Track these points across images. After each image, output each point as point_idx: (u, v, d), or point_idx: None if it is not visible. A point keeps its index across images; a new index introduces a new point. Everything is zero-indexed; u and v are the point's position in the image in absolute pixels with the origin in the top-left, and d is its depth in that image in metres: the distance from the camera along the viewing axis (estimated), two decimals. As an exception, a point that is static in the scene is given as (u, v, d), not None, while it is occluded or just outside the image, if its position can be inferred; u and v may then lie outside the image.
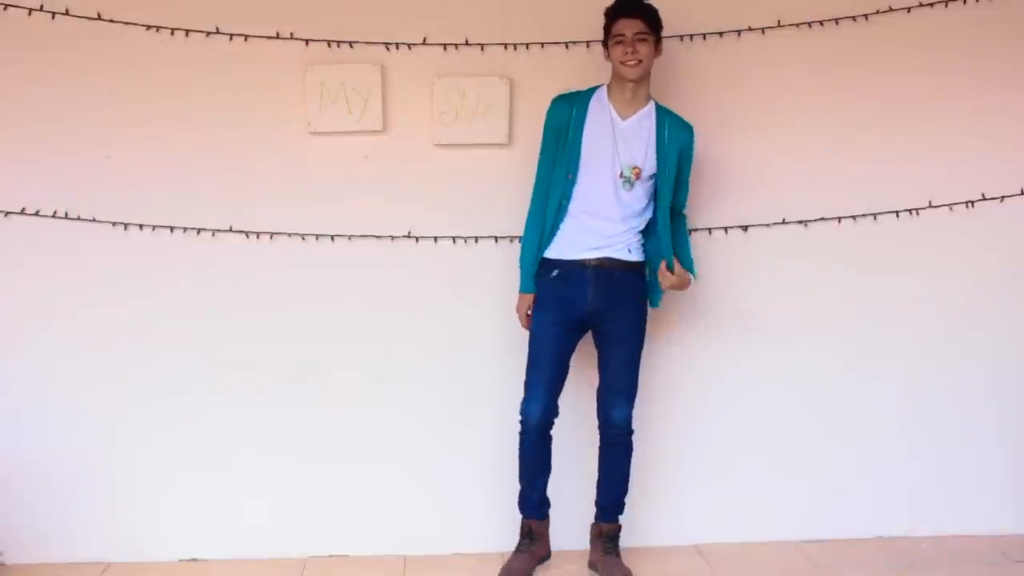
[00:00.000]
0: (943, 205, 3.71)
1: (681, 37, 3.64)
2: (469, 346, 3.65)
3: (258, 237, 3.59)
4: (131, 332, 3.60)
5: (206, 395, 3.62)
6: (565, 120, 3.33)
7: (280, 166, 3.59)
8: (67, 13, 3.51)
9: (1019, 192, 3.72)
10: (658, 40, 3.32)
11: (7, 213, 3.55)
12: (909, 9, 3.66)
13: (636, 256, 3.37)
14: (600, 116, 3.33)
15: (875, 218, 3.70)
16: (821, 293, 3.72)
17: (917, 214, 3.70)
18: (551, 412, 3.37)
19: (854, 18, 3.66)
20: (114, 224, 3.56)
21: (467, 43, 3.59)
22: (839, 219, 3.70)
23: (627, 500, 3.60)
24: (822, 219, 3.70)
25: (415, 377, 3.63)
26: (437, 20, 3.58)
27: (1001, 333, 3.75)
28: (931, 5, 3.66)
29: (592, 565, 3.52)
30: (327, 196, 3.60)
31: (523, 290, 3.41)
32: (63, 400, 3.60)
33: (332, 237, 3.59)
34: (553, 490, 3.51)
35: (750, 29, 3.64)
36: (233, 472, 3.65)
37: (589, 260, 3.31)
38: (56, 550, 3.59)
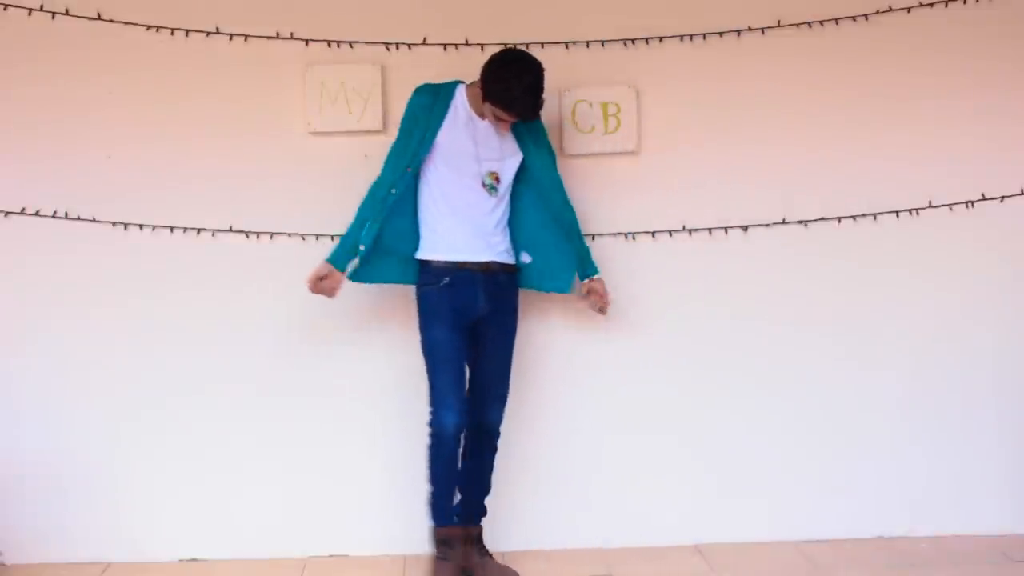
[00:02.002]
0: (943, 205, 3.71)
1: (681, 37, 3.64)
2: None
3: (258, 237, 3.60)
4: (131, 332, 3.60)
5: (206, 395, 3.62)
6: (427, 110, 3.30)
7: (280, 166, 3.60)
8: (67, 13, 3.51)
9: (1019, 192, 3.72)
10: None
11: (7, 213, 3.55)
12: (909, 9, 3.66)
13: (512, 259, 3.39)
14: (460, 117, 3.31)
15: (875, 218, 3.70)
16: (821, 293, 3.72)
17: (917, 214, 3.70)
18: (465, 417, 3.32)
19: (854, 18, 3.66)
20: (114, 224, 3.57)
21: (467, 43, 3.59)
22: (839, 219, 3.70)
23: (627, 500, 3.61)
24: (822, 219, 3.70)
25: (416, 377, 3.62)
26: (437, 20, 3.58)
27: (1001, 333, 3.75)
28: (931, 5, 3.66)
29: (465, 571, 3.40)
30: (327, 196, 3.59)
31: (330, 260, 3.29)
32: (63, 400, 3.60)
33: (332, 237, 3.59)
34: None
35: (750, 29, 3.65)
36: (233, 472, 3.64)
37: (476, 264, 3.30)
38: (56, 550, 3.59)
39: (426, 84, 3.36)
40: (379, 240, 3.29)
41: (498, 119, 3.26)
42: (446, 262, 3.30)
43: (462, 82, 3.37)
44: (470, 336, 3.35)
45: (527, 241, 3.42)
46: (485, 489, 3.47)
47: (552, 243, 3.41)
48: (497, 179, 3.32)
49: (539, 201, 3.40)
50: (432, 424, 3.32)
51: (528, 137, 3.38)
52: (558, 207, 3.42)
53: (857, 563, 3.52)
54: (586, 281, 3.47)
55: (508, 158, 3.35)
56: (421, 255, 3.34)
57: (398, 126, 3.41)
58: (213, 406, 3.62)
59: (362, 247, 3.29)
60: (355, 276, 3.34)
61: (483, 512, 3.47)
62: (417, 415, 3.52)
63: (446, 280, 3.30)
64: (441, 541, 3.37)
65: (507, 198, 3.37)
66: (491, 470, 3.46)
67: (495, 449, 3.45)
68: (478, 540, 3.45)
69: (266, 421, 3.64)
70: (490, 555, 3.44)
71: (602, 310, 3.49)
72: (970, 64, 3.69)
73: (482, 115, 3.30)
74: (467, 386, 3.37)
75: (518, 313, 3.44)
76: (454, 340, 3.31)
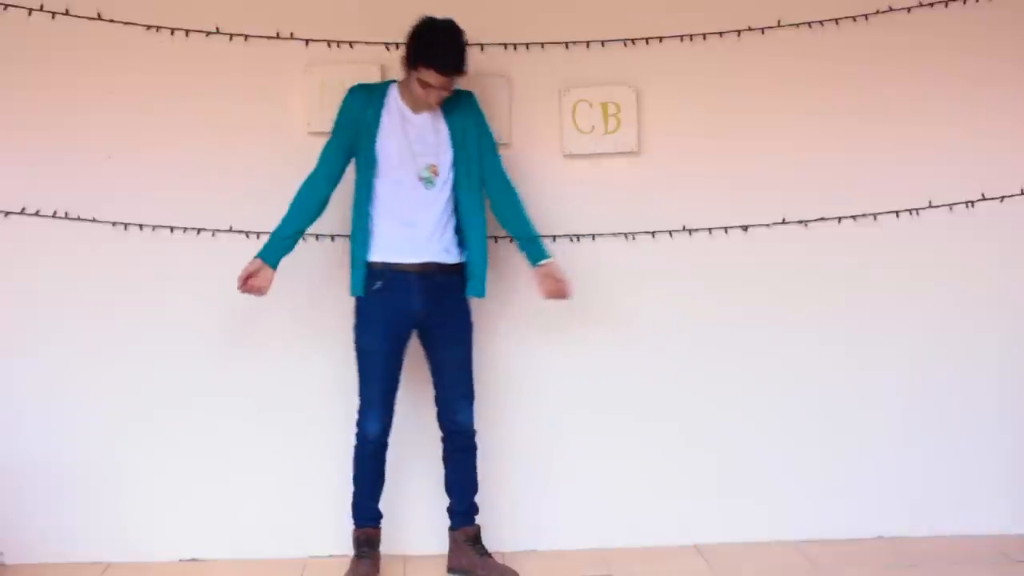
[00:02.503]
0: (943, 205, 3.71)
1: (681, 37, 3.64)
2: (482, 342, 3.64)
3: (258, 237, 3.59)
4: (131, 332, 3.60)
5: (206, 394, 3.62)
6: (362, 109, 3.29)
7: (280, 166, 3.59)
8: (67, 13, 3.51)
9: (1019, 192, 3.72)
10: None
11: (7, 213, 3.55)
12: (909, 9, 3.67)
13: (456, 258, 3.35)
14: (394, 115, 3.31)
15: (875, 218, 3.70)
16: (821, 293, 3.72)
17: (917, 214, 3.71)
18: (389, 425, 3.36)
19: (854, 18, 3.66)
20: (114, 224, 3.57)
21: (467, 43, 3.58)
22: (839, 219, 3.70)
23: (627, 500, 3.62)
24: (822, 219, 3.70)
25: (415, 377, 3.63)
26: (437, 20, 3.58)
27: (1001, 333, 3.75)
28: (931, 5, 3.66)
29: (461, 569, 3.44)
30: (327, 196, 3.60)
31: (260, 256, 3.28)
32: (63, 400, 3.60)
33: (332, 237, 3.59)
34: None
35: (750, 29, 3.65)
36: (233, 472, 3.65)
37: (412, 266, 3.28)
38: (56, 550, 3.59)
39: (359, 84, 3.35)
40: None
41: (428, 86, 3.20)
42: (380, 263, 3.29)
43: (395, 81, 3.36)
44: (412, 340, 3.36)
45: (463, 240, 3.39)
46: (472, 488, 3.46)
47: (475, 244, 3.36)
48: (435, 171, 3.29)
49: (477, 196, 3.36)
50: (357, 431, 3.37)
51: (467, 127, 3.34)
52: (499, 196, 3.38)
53: (857, 563, 3.52)
54: (537, 268, 3.37)
55: (446, 151, 3.32)
56: (365, 257, 3.32)
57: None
58: (213, 406, 3.62)
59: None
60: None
61: (475, 511, 3.48)
62: (416, 416, 3.53)
63: (378, 284, 3.29)
64: (362, 541, 3.42)
65: (448, 193, 3.33)
66: (474, 469, 3.45)
67: (474, 448, 3.44)
68: (475, 540, 3.45)
69: (265, 421, 3.64)
70: (489, 555, 3.44)
71: (561, 294, 3.36)
72: (970, 64, 3.69)
73: (416, 109, 3.29)
74: (396, 390, 3.38)
75: (468, 312, 3.39)
76: (384, 350, 3.32)
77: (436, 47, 3.18)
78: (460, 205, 3.34)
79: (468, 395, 3.40)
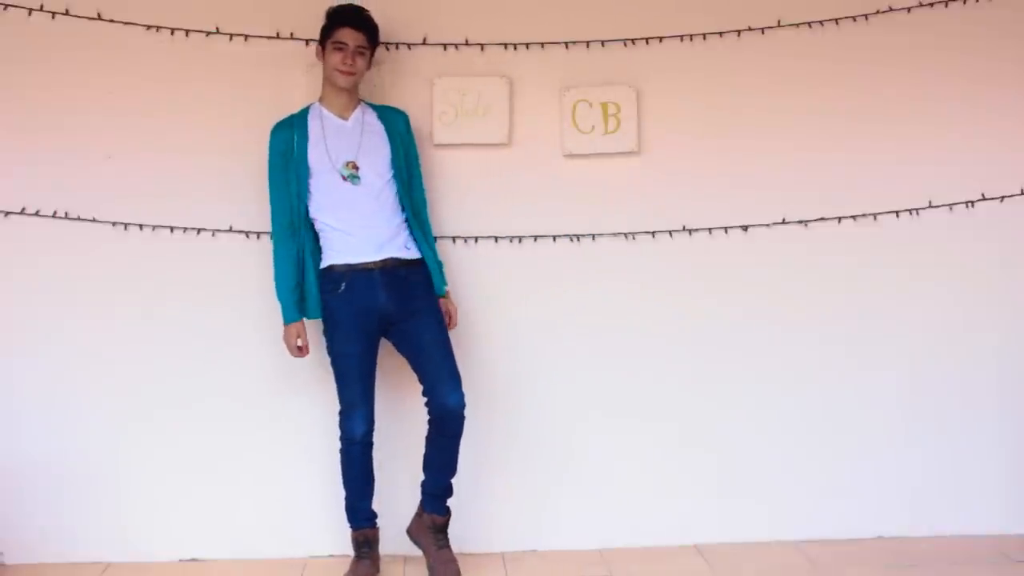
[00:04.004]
0: (943, 205, 3.71)
1: (681, 37, 3.64)
2: (479, 343, 3.65)
3: (258, 237, 3.60)
4: (131, 332, 3.60)
5: (207, 394, 3.62)
6: (289, 143, 3.35)
7: (280, 166, 3.59)
8: (67, 13, 3.52)
9: (1019, 192, 3.72)
10: (373, 54, 3.39)
11: (7, 213, 3.55)
12: (909, 9, 3.67)
13: (415, 254, 3.38)
14: (316, 126, 3.36)
15: (875, 218, 3.70)
16: (821, 293, 3.72)
17: (917, 214, 3.71)
18: (372, 424, 3.39)
19: (854, 18, 3.66)
20: (114, 224, 3.57)
21: (467, 43, 3.59)
22: (839, 219, 3.70)
23: (627, 500, 3.61)
24: (822, 219, 3.70)
25: (399, 374, 3.62)
26: (437, 20, 3.58)
27: (1001, 333, 3.75)
28: (931, 5, 3.66)
29: (415, 542, 3.48)
30: (327, 196, 3.60)
31: (288, 320, 3.37)
32: (63, 400, 3.60)
33: (332, 237, 3.59)
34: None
35: (750, 29, 3.65)
36: (233, 472, 3.65)
37: (373, 263, 3.30)
38: (56, 550, 3.59)
39: (278, 122, 3.39)
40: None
41: (344, 47, 3.28)
42: (341, 265, 3.32)
43: (314, 103, 3.42)
44: (383, 336, 3.39)
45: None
46: (450, 470, 3.42)
47: (421, 242, 3.40)
48: (355, 167, 3.32)
49: (418, 195, 3.44)
50: (341, 434, 3.39)
51: (401, 133, 3.41)
52: (416, 207, 3.43)
53: (857, 563, 3.52)
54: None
55: (370, 149, 3.34)
56: (321, 265, 3.36)
57: None
58: (214, 406, 3.62)
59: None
60: (312, 314, 3.39)
61: (448, 493, 3.44)
62: (415, 416, 3.53)
63: (343, 286, 3.31)
64: (360, 542, 3.45)
65: (388, 190, 3.35)
66: (456, 450, 3.41)
67: (460, 433, 3.38)
68: (439, 529, 3.43)
69: (266, 421, 3.64)
70: (447, 547, 3.43)
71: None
72: (970, 64, 3.69)
73: (342, 109, 3.36)
74: (374, 388, 3.40)
75: (436, 303, 3.40)
76: (357, 351, 3.34)
77: (336, 9, 3.34)
78: (405, 203, 3.39)
79: (455, 376, 3.36)
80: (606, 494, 3.70)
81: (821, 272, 3.71)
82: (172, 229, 3.58)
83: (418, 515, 3.49)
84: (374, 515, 3.48)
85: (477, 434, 3.63)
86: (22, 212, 3.56)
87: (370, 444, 3.40)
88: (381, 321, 3.35)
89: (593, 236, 3.66)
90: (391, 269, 3.32)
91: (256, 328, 3.61)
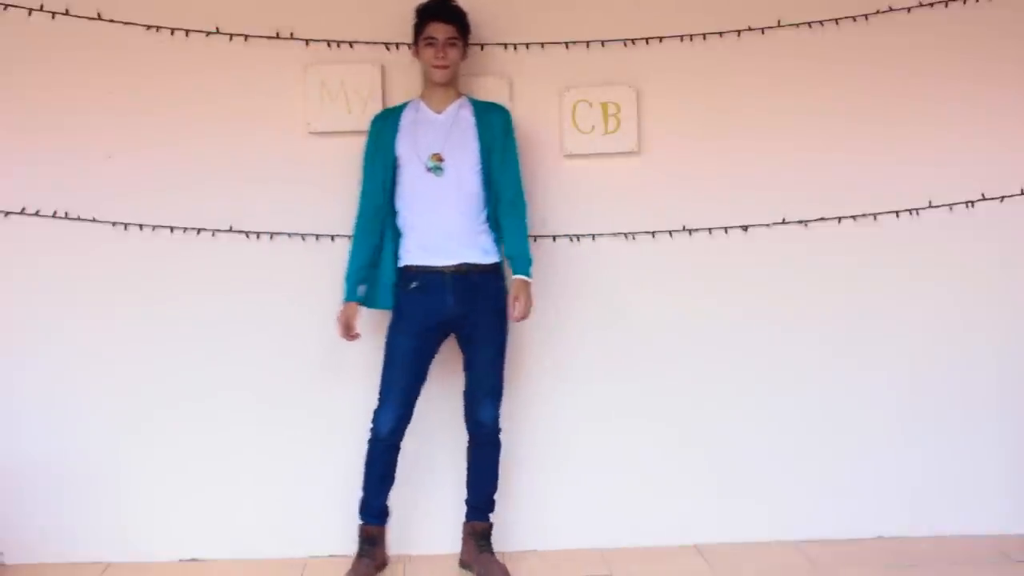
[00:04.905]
0: (943, 205, 3.71)
1: (681, 37, 3.64)
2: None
3: (258, 237, 3.60)
4: (131, 332, 3.60)
5: (207, 395, 3.62)
6: (381, 132, 3.38)
7: (280, 166, 3.60)
8: (67, 13, 3.52)
9: (1019, 192, 3.72)
10: (466, 44, 3.40)
11: (7, 213, 3.55)
12: (909, 9, 3.67)
13: (492, 257, 3.38)
14: (409, 118, 3.38)
15: (875, 218, 3.70)
16: (821, 293, 3.72)
17: (917, 214, 3.70)
18: (405, 421, 3.37)
19: (854, 18, 3.66)
20: (114, 224, 3.57)
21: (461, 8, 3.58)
22: (839, 219, 3.70)
23: (627, 500, 3.61)
24: (822, 219, 3.70)
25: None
26: (437, 20, 3.58)
27: (1001, 333, 3.75)
28: (931, 5, 3.66)
29: (465, 564, 3.48)
30: (327, 196, 3.60)
31: (347, 299, 3.40)
32: (63, 400, 3.60)
33: (332, 237, 3.60)
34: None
35: (750, 29, 3.65)
36: (233, 472, 3.64)
37: (447, 267, 3.32)
38: (56, 550, 3.59)
39: (378, 113, 3.45)
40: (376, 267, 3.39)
41: (434, 42, 3.31)
42: (417, 266, 3.34)
43: (412, 100, 3.44)
44: (442, 337, 3.40)
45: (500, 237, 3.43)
46: (489, 484, 3.48)
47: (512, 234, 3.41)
48: (440, 159, 3.33)
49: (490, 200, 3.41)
50: (371, 427, 3.39)
51: (495, 134, 3.39)
52: (504, 205, 3.40)
53: (857, 563, 3.52)
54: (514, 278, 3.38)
55: (457, 143, 3.35)
56: (399, 263, 3.38)
57: None
58: (213, 406, 3.62)
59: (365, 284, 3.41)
60: (372, 303, 3.43)
61: (490, 507, 3.49)
62: (416, 417, 3.53)
63: (415, 284, 3.34)
64: (366, 539, 3.44)
65: (471, 187, 3.35)
66: (495, 465, 3.47)
67: (497, 445, 3.45)
68: (481, 536, 3.46)
69: (266, 421, 3.64)
70: (490, 552, 3.44)
71: (519, 314, 3.38)
72: (970, 64, 3.69)
73: (438, 103, 3.37)
74: (418, 391, 3.40)
75: (503, 312, 3.39)
76: (412, 346, 3.35)
77: (423, 5, 3.37)
78: (489, 201, 3.38)
79: (493, 394, 3.42)
80: (606, 494, 3.70)
81: (821, 272, 3.71)
82: (172, 229, 3.58)
83: (463, 533, 3.50)
84: (383, 514, 3.47)
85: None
86: (22, 212, 3.56)
87: (395, 445, 3.39)
88: (445, 323, 3.36)
89: (593, 236, 3.66)
90: (464, 275, 3.33)
91: (256, 328, 3.61)
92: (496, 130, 3.40)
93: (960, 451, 3.75)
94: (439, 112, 3.39)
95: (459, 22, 3.37)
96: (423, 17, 3.35)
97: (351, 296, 3.40)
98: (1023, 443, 3.76)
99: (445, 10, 3.35)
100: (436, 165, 3.32)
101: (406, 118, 3.39)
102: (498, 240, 3.40)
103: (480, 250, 3.36)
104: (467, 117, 3.39)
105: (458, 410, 3.49)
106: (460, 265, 3.33)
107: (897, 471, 3.75)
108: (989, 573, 3.44)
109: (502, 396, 3.44)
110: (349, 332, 3.40)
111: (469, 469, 3.49)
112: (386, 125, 3.40)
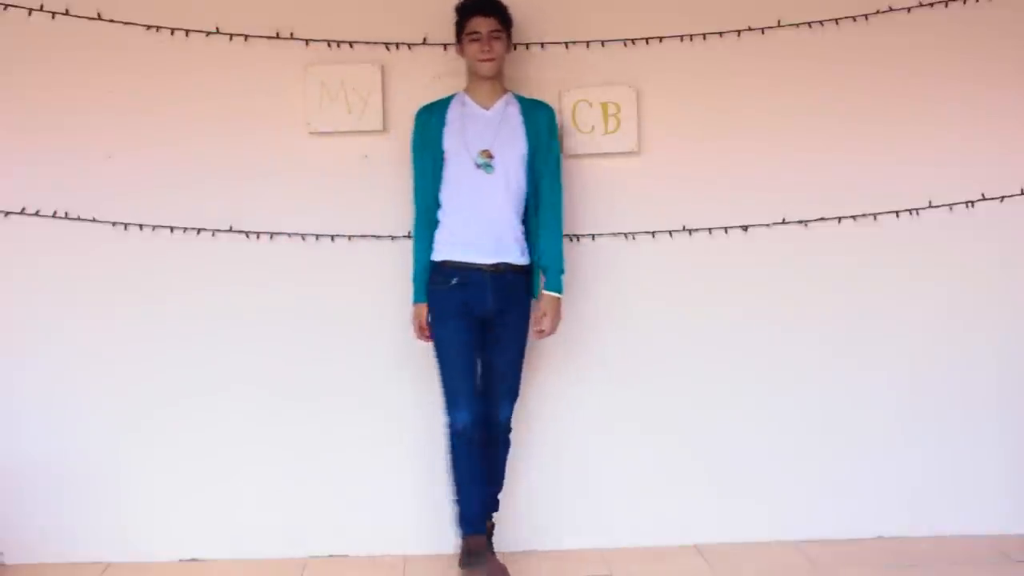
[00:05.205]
0: (943, 205, 3.71)
1: (681, 37, 3.64)
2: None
3: (258, 237, 3.60)
4: (131, 332, 3.60)
5: (206, 395, 3.62)
6: (427, 127, 3.37)
7: (280, 166, 3.60)
8: (67, 13, 3.52)
9: (1019, 192, 3.71)
10: (510, 37, 3.41)
11: (7, 213, 3.55)
12: (909, 9, 3.66)
13: (526, 259, 3.38)
14: (455, 113, 3.37)
15: (875, 218, 3.70)
16: (821, 293, 3.72)
17: (917, 214, 3.70)
18: (480, 416, 3.32)
19: (854, 18, 3.66)
20: (114, 224, 3.57)
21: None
22: (839, 219, 3.70)
23: (627, 500, 3.61)
24: (822, 219, 3.70)
25: (415, 376, 3.63)
26: (437, 20, 3.58)
27: (1001, 333, 3.75)
28: (931, 5, 3.66)
29: (461, 563, 3.40)
30: (327, 196, 3.60)
31: (417, 300, 3.39)
32: (63, 400, 3.60)
33: (332, 237, 3.60)
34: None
35: (750, 29, 3.65)
36: (233, 472, 3.64)
37: (487, 266, 3.31)
38: (56, 550, 3.59)
39: (423, 106, 3.42)
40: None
41: (478, 37, 3.31)
42: (456, 262, 3.32)
43: (458, 92, 3.43)
44: (480, 331, 3.36)
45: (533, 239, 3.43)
46: (497, 485, 3.47)
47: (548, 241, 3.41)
48: (490, 156, 3.32)
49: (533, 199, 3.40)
50: (448, 429, 3.35)
51: (539, 132, 3.39)
52: (545, 208, 3.39)
53: (857, 563, 3.52)
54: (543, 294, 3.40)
55: (506, 141, 3.35)
56: (434, 256, 3.35)
57: (398, 126, 3.50)
58: (213, 406, 3.62)
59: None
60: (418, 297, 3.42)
61: (495, 507, 3.49)
62: (415, 415, 3.54)
63: (455, 280, 3.32)
64: (470, 552, 3.32)
65: (516, 186, 3.35)
66: (503, 464, 3.47)
67: (507, 444, 3.46)
68: (487, 535, 3.44)
69: (265, 421, 3.64)
70: (491, 552, 3.43)
71: (544, 331, 3.41)
72: (970, 64, 3.69)
73: (485, 98, 3.37)
74: (478, 381, 3.38)
75: (528, 314, 3.41)
76: (464, 339, 3.33)
77: (463, 2, 3.37)
78: (531, 201, 3.38)
79: (511, 395, 3.42)
80: (606, 494, 3.70)
81: (821, 272, 3.71)
82: (172, 229, 3.58)
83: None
84: (482, 520, 3.37)
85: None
86: (22, 212, 3.56)
87: (474, 440, 3.30)
88: (484, 316, 3.35)
89: (593, 236, 3.65)
90: (501, 274, 3.33)
91: (256, 328, 3.61)
92: (542, 128, 3.39)
93: (960, 451, 3.75)
94: (487, 108, 3.38)
95: (501, 15, 3.36)
96: (464, 13, 3.34)
97: (421, 297, 3.38)
98: (1023, 443, 3.76)
99: (486, 4, 3.34)
100: (486, 162, 3.31)
101: (452, 112, 3.37)
102: (542, 238, 3.39)
103: (519, 251, 3.36)
104: (515, 114, 3.39)
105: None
106: (499, 264, 3.33)
107: (897, 471, 3.75)
108: (989, 573, 3.44)
109: (518, 397, 3.44)
110: (424, 332, 3.38)
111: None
112: (432, 118, 3.37)
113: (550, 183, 3.40)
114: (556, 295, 3.38)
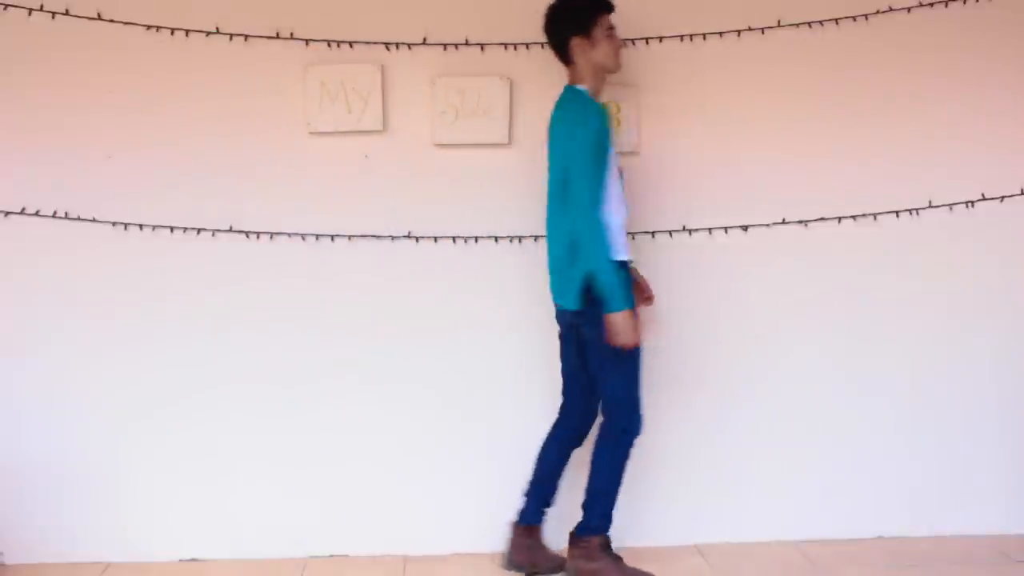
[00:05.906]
0: (943, 205, 3.71)
1: (681, 37, 3.64)
2: (469, 346, 3.65)
3: (258, 237, 3.60)
4: (130, 332, 3.60)
5: (206, 395, 3.62)
6: (609, 128, 3.31)
7: (280, 166, 3.60)
8: (67, 13, 3.52)
9: (1019, 192, 3.72)
10: None
11: (7, 213, 3.55)
12: (909, 9, 3.67)
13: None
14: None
15: (875, 218, 3.70)
16: (821, 293, 3.72)
17: (917, 214, 3.71)
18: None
19: (854, 18, 3.66)
20: (114, 224, 3.57)
21: (467, 43, 3.59)
22: (839, 219, 3.70)
23: (628, 500, 3.60)
24: (822, 219, 3.70)
25: (414, 377, 3.64)
26: (437, 20, 3.58)
27: (1001, 333, 3.75)
28: (931, 5, 3.66)
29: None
30: (327, 196, 3.60)
31: (630, 306, 3.23)
32: (63, 400, 3.60)
33: (332, 237, 3.60)
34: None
35: (750, 29, 3.65)
36: (233, 472, 3.65)
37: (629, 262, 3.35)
38: (56, 550, 3.59)
39: (598, 106, 3.30)
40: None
41: (612, 37, 3.30)
42: (627, 261, 3.33)
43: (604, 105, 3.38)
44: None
45: None
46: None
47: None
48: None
49: None
50: (627, 430, 3.35)
51: None
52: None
53: (857, 563, 3.52)
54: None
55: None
56: (618, 256, 3.27)
57: (398, 126, 3.52)
58: (213, 406, 3.62)
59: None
60: (568, 302, 3.32)
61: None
62: (415, 414, 3.53)
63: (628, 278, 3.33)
64: (607, 546, 3.38)
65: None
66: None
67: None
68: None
69: (265, 421, 3.64)
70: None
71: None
72: (970, 64, 3.69)
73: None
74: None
75: None
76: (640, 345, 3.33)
77: None
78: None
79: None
80: (606, 494, 3.70)
81: (821, 272, 3.71)
82: (172, 229, 3.58)
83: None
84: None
85: (477, 435, 3.64)
86: (22, 212, 3.56)
87: None
88: None
89: (593, 236, 3.65)
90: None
91: (256, 329, 3.61)
92: None
93: (960, 451, 3.75)
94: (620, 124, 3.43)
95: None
96: (600, 7, 3.29)
97: (631, 302, 3.26)
98: (1023, 443, 3.76)
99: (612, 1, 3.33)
100: (621, 168, 3.35)
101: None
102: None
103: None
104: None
105: (447, 410, 3.51)
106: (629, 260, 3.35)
107: (897, 471, 3.75)
108: (989, 573, 3.45)
109: None
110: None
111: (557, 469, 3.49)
112: (607, 126, 3.29)
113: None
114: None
